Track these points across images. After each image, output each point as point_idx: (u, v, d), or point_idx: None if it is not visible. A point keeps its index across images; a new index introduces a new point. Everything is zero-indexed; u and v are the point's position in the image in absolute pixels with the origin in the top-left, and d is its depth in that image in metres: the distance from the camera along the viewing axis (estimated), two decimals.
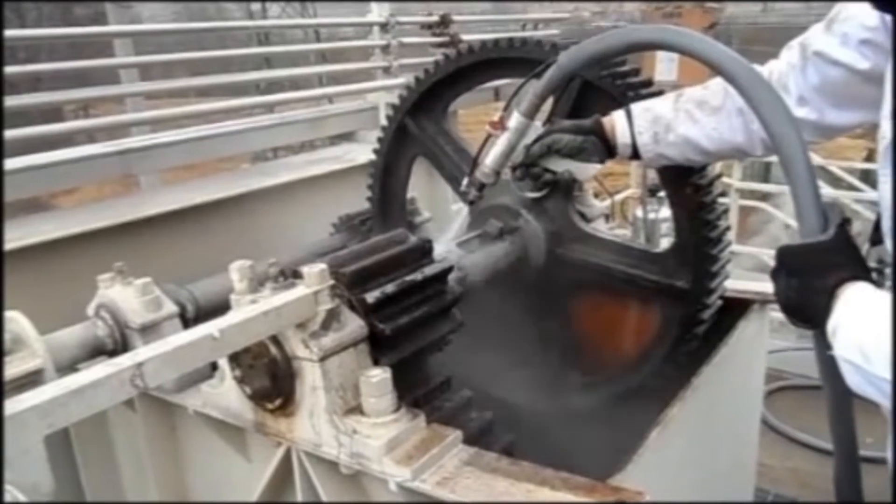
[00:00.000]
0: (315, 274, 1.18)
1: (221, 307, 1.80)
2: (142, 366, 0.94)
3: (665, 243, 1.74)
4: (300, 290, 1.17)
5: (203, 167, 3.06)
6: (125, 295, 1.62)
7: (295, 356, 1.20)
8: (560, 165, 1.53)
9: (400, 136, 1.99)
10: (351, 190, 2.67)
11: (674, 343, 1.67)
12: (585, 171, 1.53)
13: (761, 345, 1.89)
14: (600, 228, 1.83)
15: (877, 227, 1.12)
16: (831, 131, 1.34)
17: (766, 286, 1.86)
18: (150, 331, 1.61)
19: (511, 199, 1.78)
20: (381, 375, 1.17)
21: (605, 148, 1.52)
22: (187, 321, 1.72)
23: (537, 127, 1.53)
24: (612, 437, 1.58)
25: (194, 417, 1.51)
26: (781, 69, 1.33)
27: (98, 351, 1.61)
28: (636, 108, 1.50)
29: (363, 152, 2.84)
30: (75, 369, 1.57)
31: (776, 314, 2.27)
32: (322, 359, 1.17)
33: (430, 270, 1.40)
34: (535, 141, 1.53)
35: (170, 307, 1.65)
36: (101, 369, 0.92)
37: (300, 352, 1.19)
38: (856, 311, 1.00)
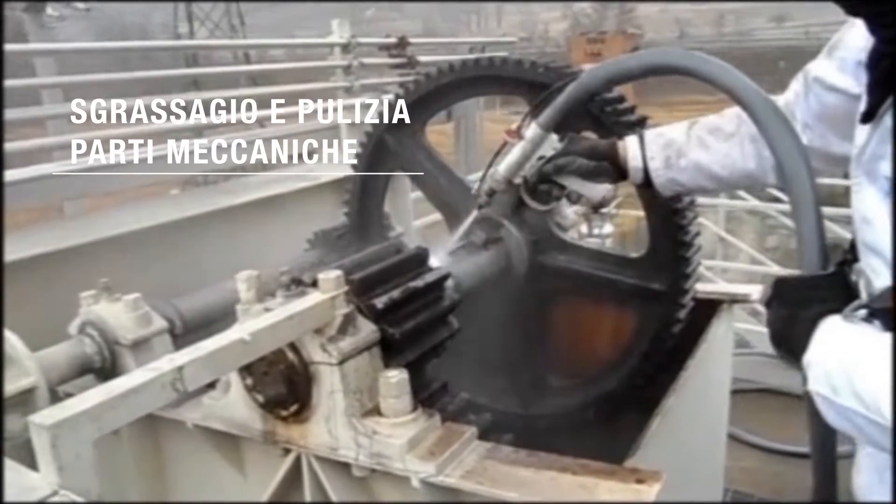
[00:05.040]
0: (331, 280, 1.21)
1: (208, 322, 1.81)
2: (182, 369, 0.95)
3: None
4: (318, 296, 1.20)
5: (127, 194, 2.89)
6: (113, 311, 1.60)
7: (312, 361, 1.22)
8: (571, 183, 1.54)
9: (378, 152, 2.04)
10: (315, 208, 2.70)
11: (652, 342, 1.76)
12: (595, 190, 1.54)
13: (729, 341, 2.02)
14: (576, 237, 1.92)
15: (852, 246, 1.12)
16: (838, 161, 1.30)
17: (734, 288, 2.00)
18: (140, 347, 1.59)
19: (493, 211, 1.85)
20: (399, 376, 1.21)
21: (619, 172, 1.53)
22: (175, 336, 1.71)
23: (553, 139, 1.53)
24: (601, 434, 1.66)
25: (182, 433, 1.50)
26: (789, 97, 1.35)
27: (86, 369, 1.59)
28: (649, 133, 1.51)
29: (326, 171, 2.88)
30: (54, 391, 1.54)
31: None
32: (341, 362, 1.20)
33: (430, 277, 1.45)
34: (549, 160, 1.54)
35: (160, 322, 1.64)
36: (143, 374, 0.93)
37: (318, 356, 1.21)
38: (826, 344, 1.01)
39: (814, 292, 1.08)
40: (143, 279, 2.03)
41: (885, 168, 0.99)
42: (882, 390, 0.89)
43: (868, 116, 1.05)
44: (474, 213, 1.71)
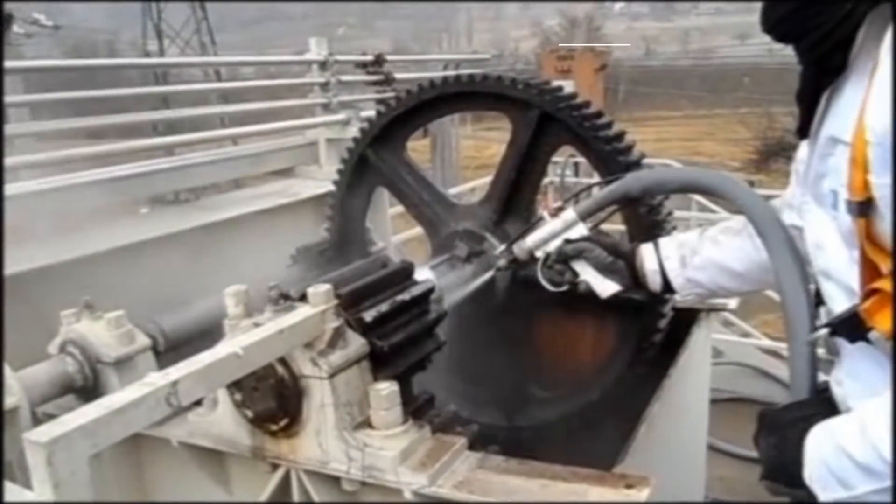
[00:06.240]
0: (321, 294, 1.22)
1: (191, 339, 1.80)
2: (176, 384, 0.95)
3: None
4: (308, 310, 1.20)
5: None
6: (95, 329, 1.59)
7: (302, 375, 1.22)
8: (584, 272, 1.59)
9: (361, 167, 2.05)
10: (296, 224, 2.69)
11: (634, 352, 1.79)
12: (604, 288, 1.58)
13: (708, 349, 2.06)
14: None
15: (817, 291, 1.14)
16: None
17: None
18: (124, 365, 1.58)
19: (475, 224, 1.87)
20: (389, 388, 1.22)
21: (633, 277, 1.58)
22: (158, 354, 1.70)
23: (581, 228, 1.59)
24: (584, 445, 1.68)
25: (166, 451, 1.48)
26: (786, 194, 1.40)
27: (68, 388, 1.57)
28: (663, 238, 1.60)
29: (304, 187, 2.89)
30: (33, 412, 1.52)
31: None
32: (331, 376, 1.20)
33: (416, 290, 1.46)
34: (572, 242, 1.59)
35: (143, 340, 1.63)
36: (137, 389, 0.93)
37: (308, 370, 1.22)
38: (818, 448, 1.02)
39: (798, 412, 1.10)
40: (120, 298, 2.01)
41: (828, 184, 1.01)
42: (880, 441, 0.89)
43: (802, 131, 1.09)
44: (492, 272, 1.75)
